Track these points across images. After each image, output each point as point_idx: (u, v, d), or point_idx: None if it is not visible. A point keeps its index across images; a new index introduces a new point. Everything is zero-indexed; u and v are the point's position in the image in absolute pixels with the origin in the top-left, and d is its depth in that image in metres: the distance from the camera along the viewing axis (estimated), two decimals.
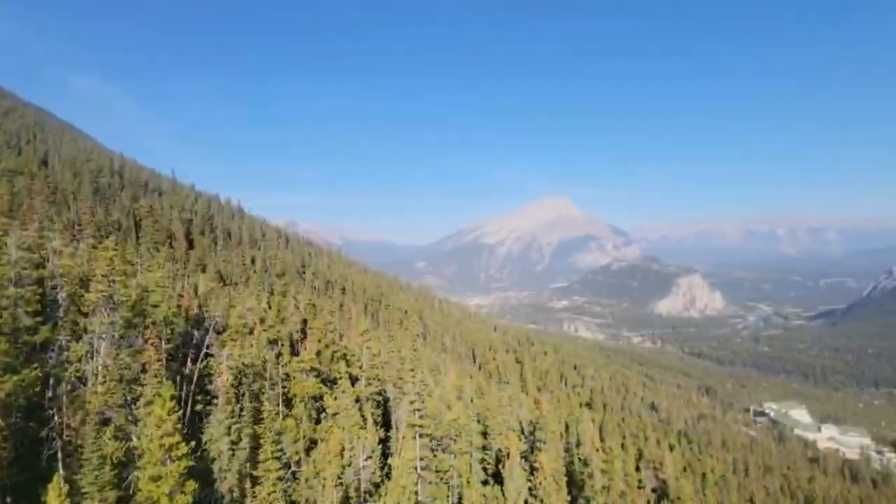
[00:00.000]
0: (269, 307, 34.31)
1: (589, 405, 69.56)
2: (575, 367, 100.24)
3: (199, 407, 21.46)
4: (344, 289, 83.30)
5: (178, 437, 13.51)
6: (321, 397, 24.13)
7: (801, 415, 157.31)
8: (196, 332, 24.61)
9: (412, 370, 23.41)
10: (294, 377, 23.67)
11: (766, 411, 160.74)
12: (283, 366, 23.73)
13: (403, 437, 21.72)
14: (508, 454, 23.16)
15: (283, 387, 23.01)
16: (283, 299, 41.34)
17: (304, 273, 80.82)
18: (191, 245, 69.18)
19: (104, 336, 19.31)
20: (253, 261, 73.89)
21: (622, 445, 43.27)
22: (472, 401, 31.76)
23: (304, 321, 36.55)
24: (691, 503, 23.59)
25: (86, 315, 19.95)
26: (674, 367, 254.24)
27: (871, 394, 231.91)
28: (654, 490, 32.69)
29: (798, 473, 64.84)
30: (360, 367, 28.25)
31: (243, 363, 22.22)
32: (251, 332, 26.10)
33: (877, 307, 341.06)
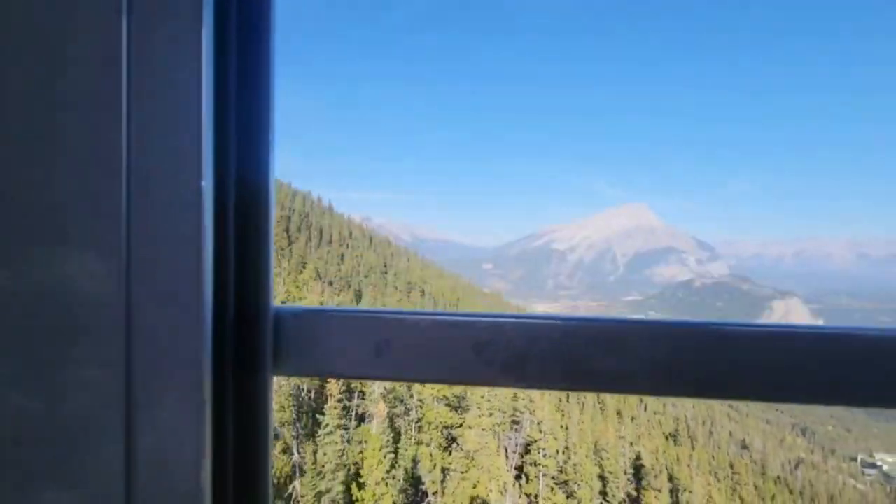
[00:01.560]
0: None
1: (674, 437, 65.33)
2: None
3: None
4: (423, 292, 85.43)
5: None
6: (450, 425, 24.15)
7: None
8: None
9: (530, 400, 23.32)
10: (425, 403, 24.19)
11: (878, 463, 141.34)
12: (415, 392, 24.46)
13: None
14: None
15: (418, 413, 23.90)
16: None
17: (386, 273, 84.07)
18: (289, 242, 74.78)
19: None
20: (342, 258, 78.20)
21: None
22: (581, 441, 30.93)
23: None
24: None
25: None
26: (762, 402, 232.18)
27: None
28: None
29: None
30: (482, 396, 27.87)
31: (385, 387, 22.83)
32: None
33: None
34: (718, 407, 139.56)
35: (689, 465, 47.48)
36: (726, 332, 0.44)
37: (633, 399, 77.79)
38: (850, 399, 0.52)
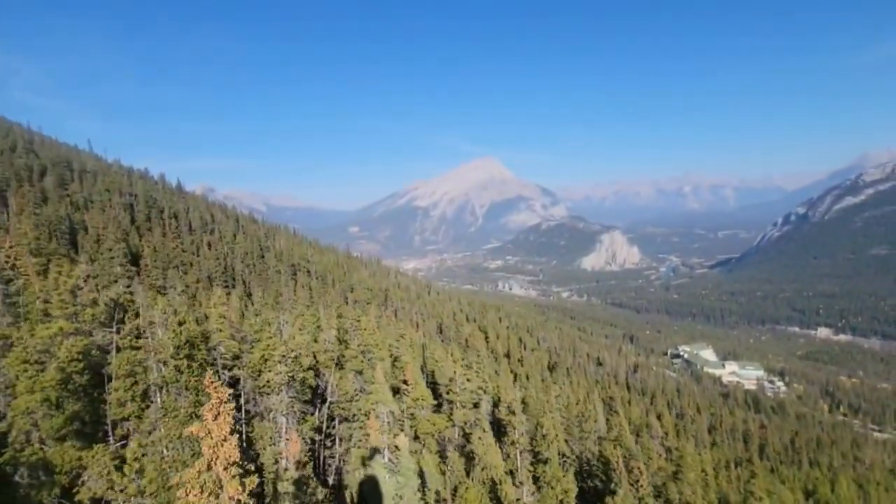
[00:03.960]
0: (301, 329, 31.48)
1: (552, 368, 76.53)
2: (528, 331, 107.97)
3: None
4: (309, 272, 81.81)
5: None
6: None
7: (708, 354, 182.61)
8: (318, 381, 23.81)
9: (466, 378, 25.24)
10: (416, 415, 23.89)
11: (681, 353, 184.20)
12: (401, 404, 24.08)
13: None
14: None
15: (411, 426, 23.70)
16: (308, 317, 38.67)
17: (264, 258, 77.98)
18: (139, 235, 63.91)
19: (287, 415, 19.03)
20: (210, 247, 69.93)
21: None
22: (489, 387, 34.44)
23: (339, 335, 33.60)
24: (690, 458, 28.85)
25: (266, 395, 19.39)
26: (601, 319, 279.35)
27: (759, 330, 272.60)
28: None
29: (720, 411, 77.29)
30: (451, 391, 27.89)
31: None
32: (339, 366, 25.38)
33: (763, 255, 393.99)
34: (574, 332, 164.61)
35: (570, 387, 57.01)
36: None
37: (515, 343, 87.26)
38: None
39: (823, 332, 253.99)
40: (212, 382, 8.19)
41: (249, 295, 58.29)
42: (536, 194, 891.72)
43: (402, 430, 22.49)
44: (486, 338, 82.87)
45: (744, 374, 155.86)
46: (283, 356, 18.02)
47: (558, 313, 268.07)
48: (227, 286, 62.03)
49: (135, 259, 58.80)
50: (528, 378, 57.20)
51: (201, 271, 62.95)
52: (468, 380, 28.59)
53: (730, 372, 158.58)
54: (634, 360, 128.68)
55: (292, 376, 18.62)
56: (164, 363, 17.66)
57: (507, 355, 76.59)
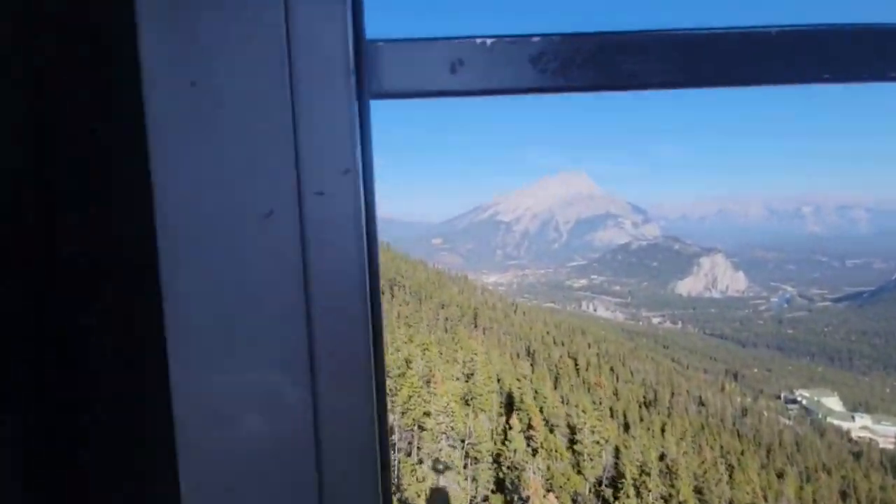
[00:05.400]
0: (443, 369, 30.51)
1: (648, 405, 71.98)
2: (620, 360, 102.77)
3: None
4: (404, 287, 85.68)
5: None
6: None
7: (833, 402, 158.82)
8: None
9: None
10: (551, 468, 23.35)
11: (798, 399, 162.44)
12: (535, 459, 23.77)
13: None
14: None
15: (546, 479, 24.08)
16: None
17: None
18: None
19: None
20: None
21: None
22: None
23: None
24: None
25: None
26: (698, 350, 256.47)
27: None
28: None
29: (853, 473, 67.01)
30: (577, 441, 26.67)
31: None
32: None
33: None
34: (669, 364, 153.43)
35: (670, 433, 53.13)
36: (716, 35, 0.52)
37: (607, 373, 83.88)
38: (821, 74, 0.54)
39: None
40: None
41: None
42: (626, 211, 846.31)
43: (549, 491, 22.37)
44: (576, 364, 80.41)
45: (879, 430, 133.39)
46: (445, 408, 18.84)
47: (649, 340, 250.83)
48: None
49: None
50: (625, 415, 54.47)
51: None
52: (592, 430, 28.00)
53: (861, 426, 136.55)
54: (741, 402, 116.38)
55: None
56: None
57: (599, 384, 73.58)
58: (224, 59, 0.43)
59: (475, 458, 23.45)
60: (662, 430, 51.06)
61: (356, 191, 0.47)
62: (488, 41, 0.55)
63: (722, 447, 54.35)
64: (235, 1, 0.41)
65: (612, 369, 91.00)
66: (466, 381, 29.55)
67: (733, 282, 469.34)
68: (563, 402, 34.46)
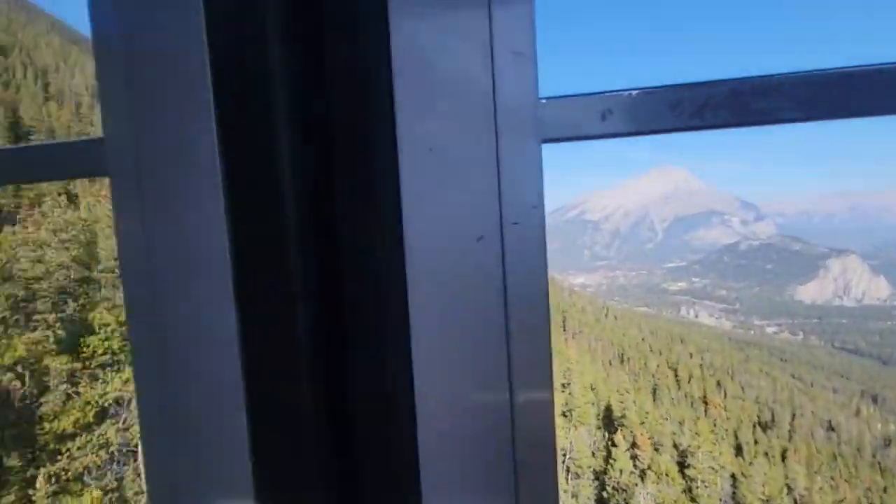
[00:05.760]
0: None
1: (764, 427, 64.37)
2: (729, 373, 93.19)
3: None
4: None
5: None
6: None
7: None
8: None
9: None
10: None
11: None
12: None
13: None
14: None
15: None
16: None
17: None
18: None
19: None
20: None
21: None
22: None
23: None
24: None
25: None
26: (825, 366, 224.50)
27: None
28: None
29: None
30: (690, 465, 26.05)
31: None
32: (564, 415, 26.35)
33: None
34: (788, 380, 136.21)
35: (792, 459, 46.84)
36: (854, 71, 0.55)
37: (717, 395, 76.86)
38: None
39: None
40: None
41: None
42: (733, 208, 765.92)
43: None
44: (676, 376, 74.54)
45: None
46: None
47: (762, 352, 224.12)
48: None
49: None
50: (736, 435, 49.22)
51: None
52: (708, 454, 25.90)
53: None
54: (881, 429, 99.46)
55: None
56: None
57: (705, 400, 67.42)
58: (449, 130, 0.54)
59: (576, 474, 22.75)
60: (783, 457, 45.30)
61: (541, 223, 0.59)
62: (633, 93, 0.63)
63: (861, 482, 46.86)
64: (460, 86, 0.53)
65: (718, 383, 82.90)
66: (563, 391, 28.79)
67: (871, 288, 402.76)
68: (665, 418, 31.88)
